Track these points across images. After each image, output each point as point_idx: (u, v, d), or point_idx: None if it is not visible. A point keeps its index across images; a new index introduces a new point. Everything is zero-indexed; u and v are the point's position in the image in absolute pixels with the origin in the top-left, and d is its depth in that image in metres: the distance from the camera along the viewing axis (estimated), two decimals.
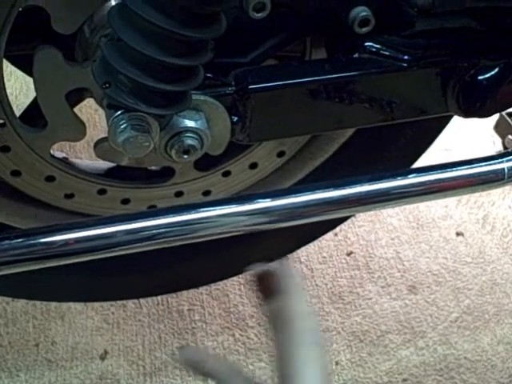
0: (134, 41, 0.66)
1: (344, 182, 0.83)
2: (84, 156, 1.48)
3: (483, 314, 1.33)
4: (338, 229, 1.40)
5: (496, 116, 1.62)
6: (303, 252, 1.39)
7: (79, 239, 0.76)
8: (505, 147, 1.63)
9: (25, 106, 0.94)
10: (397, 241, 1.45)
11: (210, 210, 0.80)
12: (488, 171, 0.81)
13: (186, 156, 0.78)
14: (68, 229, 0.76)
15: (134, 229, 0.78)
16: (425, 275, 1.39)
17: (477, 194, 1.55)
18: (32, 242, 0.75)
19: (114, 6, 0.68)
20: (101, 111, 1.51)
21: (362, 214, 1.48)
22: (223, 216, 0.80)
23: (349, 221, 1.37)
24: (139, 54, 0.67)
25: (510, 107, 0.88)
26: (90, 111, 1.52)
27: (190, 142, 0.77)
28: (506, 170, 0.81)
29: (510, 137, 1.59)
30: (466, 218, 1.52)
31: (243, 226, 0.81)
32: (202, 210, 0.80)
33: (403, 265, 1.41)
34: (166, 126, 0.75)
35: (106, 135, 0.87)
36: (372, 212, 1.49)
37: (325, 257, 1.41)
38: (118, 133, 0.73)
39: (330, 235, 1.40)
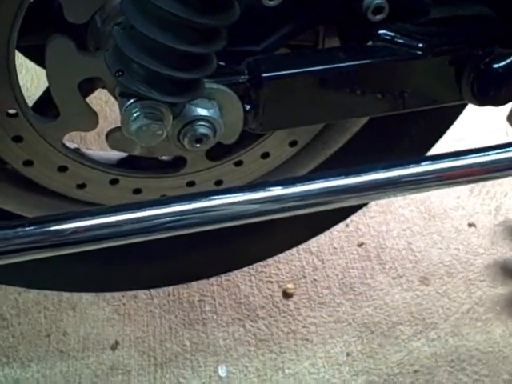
0: (148, 28, 0.66)
1: (357, 170, 0.82)
2: (95, 147, 1.48)
3: (495, 306, 1.32)
4: (349, 220, 1.39)
5: (509, 106, 1.61)
6: (314, 243, 1.39)
7: (89, 227, 0.76)
8: None
9: (36, 97, 0.94)
10: (408, 232, 1.45)
11: (222, 198, 0.80)
12: (504, 158, 0.81)
13: (198, 145, 0.78)
14: (79, 217, 0.77)
15: (145, 217, 0.78)
16: (436, 266, 1.38)
17: (489, 185, 1.54)
18: (43, 229, 0.75)
19: None
20: (111, 103, 1.53)
21: (373, 205, 1.47)
22: (235, 204, 0.80)
23: (360, 212, 1.37)
24: (152, 42, 0.67)
25: None
26: (100, 103, 1.52)
27: (202, 130, 0.77)
28: None
29: None
30: (479, 208, 1.51)
31: (255, 214, 0.81)
32: (213, 197, 0.80)
33: (415, 256, 1.40)
34: (178, 114, 0.75)
35: (117, 126, 0.88)
36: (383, 203, 1.48)
37: (336, 248, 1.40)
38: (131, 121, 0.73)
39: (341, 226, 1.39)
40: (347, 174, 0.82)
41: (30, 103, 0.89)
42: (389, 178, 0.81)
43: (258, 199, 0.80)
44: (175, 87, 0.71)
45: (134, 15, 0.67)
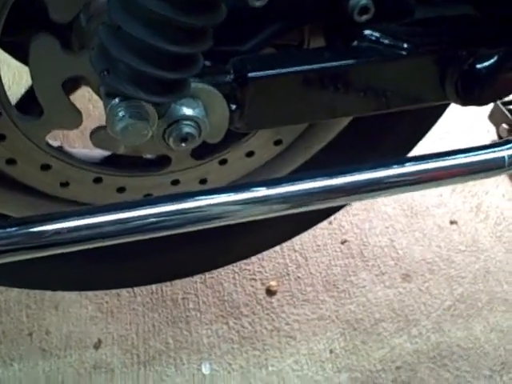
0: (134, 28, 0.66)
1: (341, 171, 0.83)
2: (78, 145, 1.47)
3: (476, 302, 1.34)
4: (332, 217, 1.40)
5: (490, 105, 1.62)
6: (297, 240, 1.39)
7: (71, 229, 0.76)
8: (499, 136, 1.63)
9: (18, 95, 0.94)
10: (391, 229, 1.46)
11: (207, 199, 0.80)
12: (488, 159, 0.82)
13: (183, 144, 0.78)
14: (60, 218, 0.76)
15: (128, 218, 0.77)
16: (419, 263, 1.39)
17: (471, 183, 1.56)
18: (24, 231, 0.75)
19: None
20: (94, 100, 1.52)
21: (356, 203, 1.48)
22: (220, 205, 0.80)
23: (343, 209, 1.38)
24: (139, 42, 0.66)
25: (507, 95, 0.88)
26: (83, 100, 1.51)
27: (187, 129, 0.76)
28: (506, 157, 0.81)
29: (504, 126, 1.59)
30: (460, 206, 1.52)
31: (239, 214, 0.81)
32: (197, 198, 0.79)
33: (397, 253, 1.41)
34: (164, 113, 0.75)
35: (100, 124, 0.87)
36: (366, 201, 1.49)
37: (319, 245, 1.41)
38: (116, 121, 0.72)
39: (324, 224, 1.40)
40: (332, 175, 0.82)
41: (13, 101, 0.89)
42: (373, 179, 0.82)
43: (242, 200, 0.80)
44: (161, 87, 0.70)
45: (120, 15, 0.67)
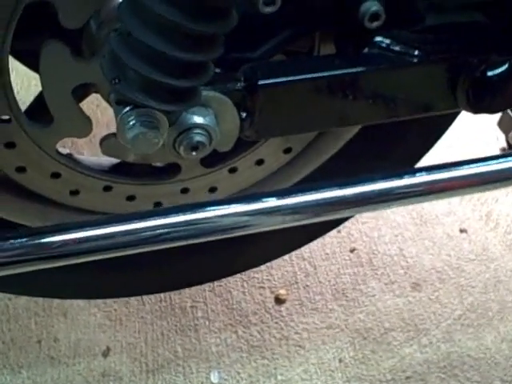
0: (145, 35, 0.66)
1: (353, 181, 0.82)
2: (86, 152, 1.47)
3: (487, 312, 1.32)
4: (341, 225, 1.39)
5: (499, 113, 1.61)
6: (306, 249, 1.39)
7: (82, 239, 0.75)
8: (508, 143, 1.62)
9: (26, 101, 0.93)
10: (400, 237, 1.45)
11: (217, 209, 0.79)
12: (503, 169, 0.81)
13: (194, 152, 0.78)
14: (71, 228, 0.76)
15: (140, 229, 0.77)
16: (428, 272, 1.39)
17: None
18: (35, 242, 0.74)
19: (124, 0, 0.68)
20: (103, 107, 1.53)
21: None
22: (231, 216, 0.79)
23: (352, 218, 1.37)
24: (150, 49, 0.66)
25: None
26: (92, 107, 1.51)
27: (198, 138, 0.76)
28: None
29: None
30: (470, 214, 1.51)
31: (251, 225, 0.81)
32: (207, 209, 0.79)
33: (407, 262, 1.40)
34: (175, 122, 0.74)
35: (108, 132, 0.87)
36: None
37: (328, 253, 1.40)
38: (127, 129, 0.72)
39: (333, 232, 1.39)
40: (342, 186, 0.81)
41: (22, 107, 0.88)
42: (385, 189, 0.81)
43: (252, 211, 0.80)
44: (172, 95, 0.70)
45: (130, 20, 0.66)
